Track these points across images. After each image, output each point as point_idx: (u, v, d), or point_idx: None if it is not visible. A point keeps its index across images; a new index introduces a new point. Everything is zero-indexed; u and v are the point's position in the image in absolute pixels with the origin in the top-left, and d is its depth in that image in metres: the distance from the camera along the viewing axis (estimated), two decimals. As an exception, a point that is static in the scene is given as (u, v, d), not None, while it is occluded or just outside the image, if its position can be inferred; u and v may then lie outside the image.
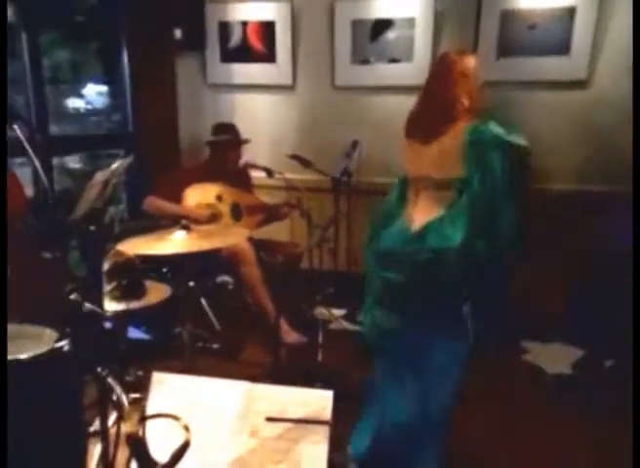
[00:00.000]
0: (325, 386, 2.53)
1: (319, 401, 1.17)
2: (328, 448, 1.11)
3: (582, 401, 2.49)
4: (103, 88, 4.32)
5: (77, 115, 4.44)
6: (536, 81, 3.26)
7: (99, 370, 0.93)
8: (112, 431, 0.98)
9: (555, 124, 3.29)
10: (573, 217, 3.21)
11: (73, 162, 4.20)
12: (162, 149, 3.66)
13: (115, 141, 3.92)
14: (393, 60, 3.43)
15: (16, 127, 1.80)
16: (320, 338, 2.93)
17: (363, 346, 2.09)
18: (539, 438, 2.25)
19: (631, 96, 3.10)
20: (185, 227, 1.76)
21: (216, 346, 2.98)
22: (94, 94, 4.49)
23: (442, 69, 1.89)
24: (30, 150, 1.82)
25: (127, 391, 1.11)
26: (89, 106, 4.40)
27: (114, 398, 0.98)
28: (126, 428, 0.87)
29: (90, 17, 3.85)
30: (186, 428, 0.96)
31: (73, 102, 4.39)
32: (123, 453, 0.97)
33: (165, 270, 2.92)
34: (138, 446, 0.87)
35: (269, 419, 1.14)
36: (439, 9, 3.30)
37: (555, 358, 2.91)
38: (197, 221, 2.71)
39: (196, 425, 1.09)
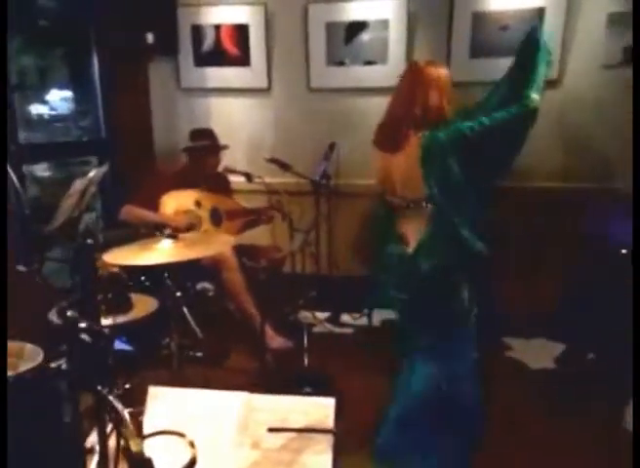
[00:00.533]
0: (314, 391, 2.54)
1: (320, 409, 1.15)
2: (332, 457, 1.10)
3: (567, 394, 2.54)
4: (71, 94, 4.22)
5: (44, 122, 4.32)
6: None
7: (98, 386, 0.90)
8: (111, 447, 0.94)
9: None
10: (551, 216, 3.27)
11: (41, 170, 4.08)
12: (136, 155, 3.59)
13: (87, 148, 3.82)
14: (368, 62, 3.44)
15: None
16: (305, 342, 2.92)
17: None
18: (525, 433, 2.28)
19: (603, 95, 3.19)
20: (171, 236, 1.72)
21: (199, 354, 2.92)
22: (61, 100, 4.38)
23: (410, 79, 1.88)
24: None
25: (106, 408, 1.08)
26: (55, 112, 4.28)
27: (110, 415, 0.95)
28: (131, 447, 0.84)
29: (55, 21, 3.75)
30: (192, 444, 0.93)
31: (38, 109, 4.27)
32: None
33: (143, 279, 2.86)
34: (144, 465, 0.84)
35: (271, 430, 1.12)
36: (412, 10, 3.32)
37: (538, 353, 2.96)
38: (176, 229, 2.66)
39: (196, 439, 1.06)
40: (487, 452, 2.12)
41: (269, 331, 2.96)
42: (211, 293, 3.36)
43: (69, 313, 0.90)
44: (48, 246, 2.49)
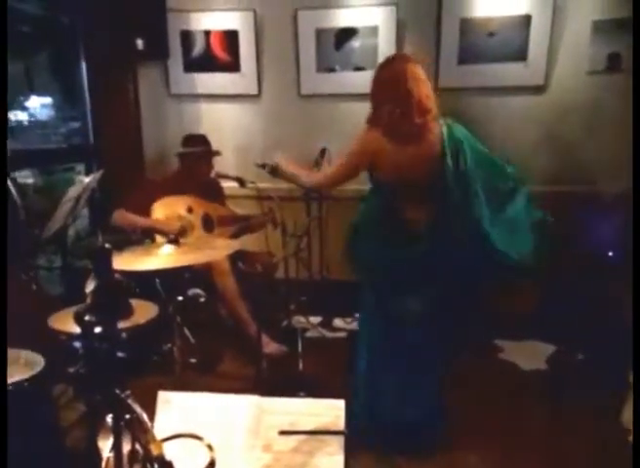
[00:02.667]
0: (308, 395, 2.54)
1: (331, 411, 1.16)
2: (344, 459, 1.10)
3: (560, 394, 2.58)
4: (54, 100, 4.17)
5: (28, 128, 4.26)
6: (495, 87, 3.37)
7: (117, 390, 0.89)
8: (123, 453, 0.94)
9: (516, 128, 3.41)
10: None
11: (22, 177, 4.02)
12: (125, 161, 3.56)
13: (74, 155, 3.78)
14: (358, 68, 3.47)
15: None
16: (300, 347, 2.91)
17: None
18: (521, 435, 2.31)
19: (587, 100, 3.27)
20: (173, 241, 1.72)
21: (193, 360, 2.90)
22: (43, 106, 4.33)
23: (408, 72, 1.98)
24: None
25: (122, 411, 1.07)
26: (35, 119, 4.23)
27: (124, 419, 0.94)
28: (152, 450, 0.84)
29: (38, 27, 3.71)
30: (210, 447, 0.93)
31: (21, 115, 4.21)
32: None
33: (134, 285, 2.83)
34: (165, 469, 0.84)
35: (283, 433, 1.12)
36: (401, 17, 3.37)
37: (529, 355, 3.00)
38: (167, 234, 2.64)
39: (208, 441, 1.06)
40: (480, 454, 2.16)
41: (264, 336, 2.94)
42: (202, 299, 3.35)
43: (87, 317, 0.90)
44: (38, 253, 2.47)
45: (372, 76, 2.11)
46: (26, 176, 4.07)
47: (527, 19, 3.21)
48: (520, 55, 3.27)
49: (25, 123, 4.19)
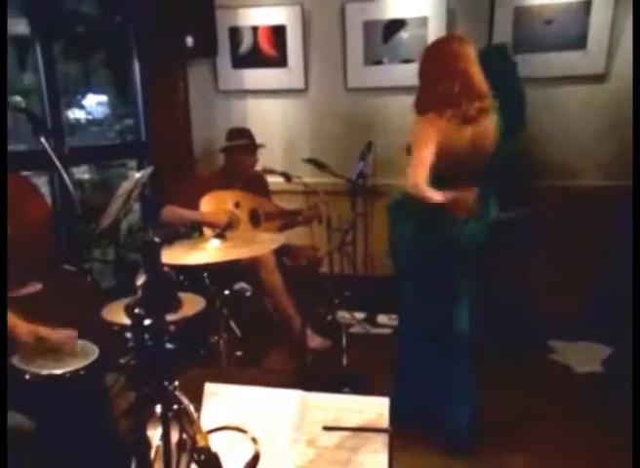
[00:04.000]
0: (353, 391, 2.53)
1: (375, 408, 1.14)
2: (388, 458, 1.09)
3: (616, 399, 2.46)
4: (109, 98, 4.31)
5: (84, 126, 4.43)
6: (552, 77, 3.24)
7: (165, 382, 0.91)
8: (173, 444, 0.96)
9: (575, 119, 3.26)
10: (597, 214, 3.18)
11: (79, 173, 4.19)
12: (175, 158, 3.65)
13: (127, 151, 3.91)
14: (406, 61, 3.41)
15: (43, 140, 1.80)
16: (344, 343, 2.91)
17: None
18: (574, 439, 2.22)
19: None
20: (219, 236, 1.74)
21: (239, 354, 2.95)
22: (98, 104, 4.48)
23: (467, 52, 1.96)
24: (58, 163, 1.82)
25: (170, 402, 1.09)
26: (94, 117, 4.39)
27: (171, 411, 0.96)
28: (198, 441, 0.85)
29: (93, 27, 3.84)
30: (254, 440, 0.94)
31: (78, 113, 4.38)
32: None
33: (182, 279, 2.90)
34: (210, 460, 0.85)
35: (327, 428, 1.12)
36: (451, 6, 3.28)
37: (584, 357, 2.88)
38: (215, 227, 2.68)
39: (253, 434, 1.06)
40: (524, 457, 2.09)
41: (308, 330, 2.96)
42: (248, 293, 3.39)
43: (137, 310, 0.92)
44: (93, 246, 2.56)
45: (424, 52, 2.06)
46: (83, 172, 4.24)
47: (587, 5, 3.06)
48: (579, 42, 3.12)
49: (83, 121, 4.36)
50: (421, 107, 2.00)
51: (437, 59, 1.98)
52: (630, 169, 3.16)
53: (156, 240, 0.90)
